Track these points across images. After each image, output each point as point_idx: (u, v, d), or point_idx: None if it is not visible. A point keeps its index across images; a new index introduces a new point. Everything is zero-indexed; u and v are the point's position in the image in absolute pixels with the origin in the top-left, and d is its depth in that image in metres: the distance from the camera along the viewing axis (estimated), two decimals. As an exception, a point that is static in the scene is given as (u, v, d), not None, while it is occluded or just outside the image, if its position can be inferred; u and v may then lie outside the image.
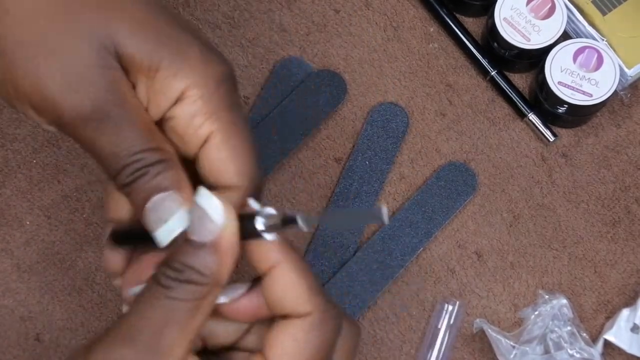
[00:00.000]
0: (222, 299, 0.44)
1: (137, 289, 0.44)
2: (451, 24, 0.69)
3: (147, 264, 0.45)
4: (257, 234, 0.41)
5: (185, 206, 0.43)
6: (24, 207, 0.65)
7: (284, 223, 0.41)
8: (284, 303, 0.42)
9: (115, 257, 0.47)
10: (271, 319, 0.44)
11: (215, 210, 0.41)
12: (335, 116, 0.68)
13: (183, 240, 0.41)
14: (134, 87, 0.45)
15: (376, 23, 0.70)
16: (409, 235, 0.65)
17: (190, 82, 0.45)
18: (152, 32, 0.45)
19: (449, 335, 0.64)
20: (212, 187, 0.45)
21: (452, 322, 0.64)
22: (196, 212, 0.41)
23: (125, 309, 0.45)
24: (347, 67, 0.69)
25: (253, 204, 0.43)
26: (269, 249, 0.42)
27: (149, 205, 0.43)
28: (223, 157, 0.45)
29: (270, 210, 0.41)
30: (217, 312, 0.44)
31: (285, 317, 0.43)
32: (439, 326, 0.64)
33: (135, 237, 0.46)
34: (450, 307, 0.64)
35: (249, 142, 0.46)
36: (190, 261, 0.41)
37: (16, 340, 0.63)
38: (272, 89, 0.68)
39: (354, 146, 0.67)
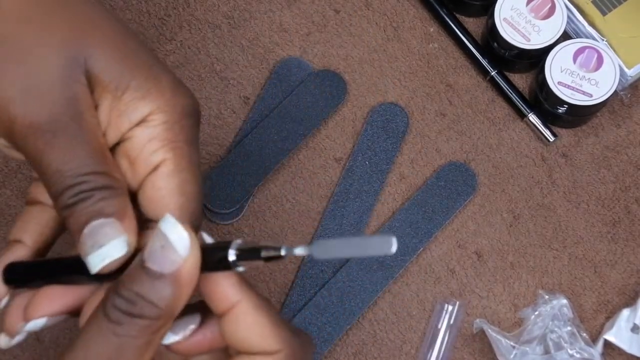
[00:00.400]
0: (173, 338, 0.42)
1: (33, 324, 0.44)
2: (451, 24, 0.69)
3: (44, 299, 0.44)
4: (223, 266, 0.40)
5: (125, 236, 0.41)
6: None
7: (254, 255, 0.39)
8: (249, 342, 0.41)
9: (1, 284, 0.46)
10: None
11: (180, 239, 0.39)
12: (335, 116, 0.68)
13: (136, 268, 0.39)
14: (97, 106, 0.44)
15: (376, 23, 0.70)
16: (409, 235, 0.65)
17: (155, 107, 0.44)
18: (125, 54, 0.44)
19: (449, 335, 0.64)
20: (147, 221, 0.44)
21: (452, 322, 0.64)
22: (158, 240, 0.39)
23: (5, 341, 0.45)
24: (347, 67, 0.69)
25: (207, 238, 0.41)
26: (228, 285, 0.40)
27: (86, 229, 0.41)
28: (170, 187, 0.44)
29: (239, 242, 0.39)
30: (165, 349, 0.43)
31: (248, 354, 0.41)
32: (439, 326, 0.64)
33: (37, 273, 0.45)
34: (450, 307, 0.64)
35: (199, 182, 0.45)
36: (145, 291, 0.38)
37: (16, 340, 0.63)
38: (272, 89, 0.68)
39: (354, 146, 0.67)
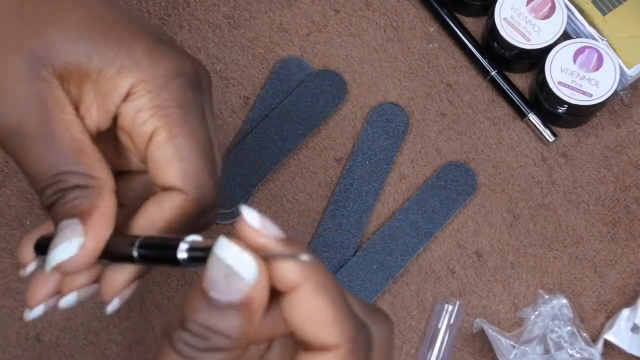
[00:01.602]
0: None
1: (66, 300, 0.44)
2: (451, 24, 0.69)
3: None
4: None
5: (79, 238, 0.41)
6: (24, 207, 0.65)
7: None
8: (306, 332, 0.36)
9: (31, 249, 0.45)
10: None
11: (246, 266, 0.34)
12: (335, 116, 0.68)
13: (198, 298, 0.35)
14: (79, 95, 0.43)
15: (376, 23, 0.70)
16: (409, 235, 0.65)
17: (135, 79, 0.43)
18: (90, 34, 0.43)
19: (449, 335, 0.64)
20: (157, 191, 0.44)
21: (452, 322, 0.64)
22: (217, 267, 0.35)
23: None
24: (347, 67, 0.69)
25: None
26: (288, 268, 0.35)
27: (57, 229, 0.42)
28: (166, 155, 0.43)
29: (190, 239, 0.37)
30: None
31: (309, 348, 0.36)
32: (439, 326, 0.64)
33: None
34: (450, 307, 0.64)
35: (202, 144, 0.43)
36: (216, 324, 0.35)
37: (16, 340, 0.63)
38: (272, 89, 0.68)
39: (354, 146, 0.67)
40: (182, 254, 0.37)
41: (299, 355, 0.36)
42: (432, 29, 0.70)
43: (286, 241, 0.36)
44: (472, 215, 0.67)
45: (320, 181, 0.67)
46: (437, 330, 0.64)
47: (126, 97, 0.43)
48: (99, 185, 0.42)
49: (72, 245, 0.41)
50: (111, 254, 0.42)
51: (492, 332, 0.62)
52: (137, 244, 0.40)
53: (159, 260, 0.40)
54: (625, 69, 0.66)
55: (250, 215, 0.35)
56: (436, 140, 0.68)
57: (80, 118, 0.44)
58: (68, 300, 0.45)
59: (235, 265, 0.34)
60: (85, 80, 0.43)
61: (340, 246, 0.65)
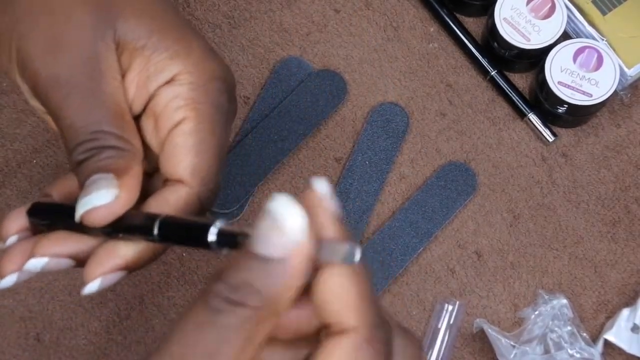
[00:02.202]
0: None
1: (34, 262, 0.44)
2: (451, 24, 0.69)
3: (51, 240, 0.44)
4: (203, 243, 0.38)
5: (115, 189, 0.41)
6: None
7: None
8: (329, 309, 0.36)
9: (15, 223, 0.45)
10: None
11: (297, 221, 0.34)
12: (335, 116, 0.68)
13: (243, 253, 0.35)
14: (126, 69, 0.44)
15: (376, 23, 0.70)
16: (409, 235, 0.65)
17: (183, 68, 0.45)
18: (155, 18, 0.45)
19: (449, 335, 0.64)
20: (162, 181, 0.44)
21: (452, 322, 0.64)
22: (269, 220, 0.34)
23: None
24: (347, 67, 0.69)
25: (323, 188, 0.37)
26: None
27: (86, 182, 0.42)
28: (187, 144, 0.44)
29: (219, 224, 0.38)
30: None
31: (329, 333, 0.36)
32: (439, 326, 0.64)
33: (53, 212, 0.45)
34: (450, 307, 0.64)
35: (219, 147, 0.45)
36: (251, 278, 0.34)
37: (16, 340, 0.63)
38: (272, 89, 0.68)
39: (354, 146, 0.67)
40: (212, 236, 0.37)
41: (318, 349, 0.36)
42: (432, 29, 0.70)
43: (340, 226, 0.36)
44: (472, 215, 0.67)
45: (320, 181, 0.67)
46: (437, 330, 0.64)
47: (169, 81, 0.45)
48: (134, 151, 0.43)
49: (108, 194, 0.41)
50: (128, 226, 0.42)
51: (492, 332, 0.62)
52: (159, 220, 0.40)
53: (182, 240, 0.40)
54: (625, 69, 0.66)
55: (320, 185, 0.36)
56: (436, 140, 0.68)
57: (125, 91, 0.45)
58: (34, 264, 0.44)
59: (286, 218, 0.34)
60: (137, 55, 0.44)
61: (340, 246, 0.65)
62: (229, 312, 0.34)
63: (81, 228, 0.43)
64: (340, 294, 0.35)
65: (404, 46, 0.70)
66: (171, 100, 0.44)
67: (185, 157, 0.44)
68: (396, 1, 0.71)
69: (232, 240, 0.37)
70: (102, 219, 0.42)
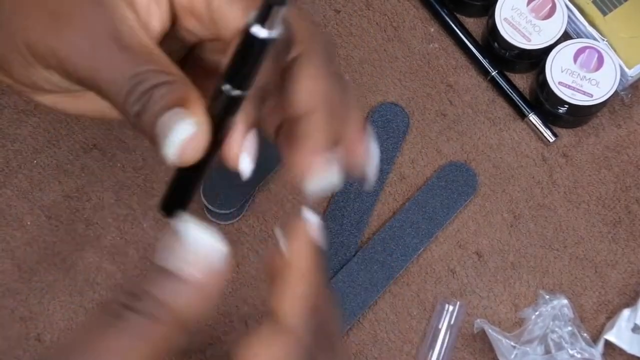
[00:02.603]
0: None
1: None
2: (452, 24, 0.69)
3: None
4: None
5: (190, 117, 0.39)
6: (25, 208, 0.65)
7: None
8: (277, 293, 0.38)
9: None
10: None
11: (211, 246, 0.35)
12: (335, 116, 0.68)
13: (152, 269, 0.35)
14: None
15: (377, 23, 0.70)
16: (410, 236, 0.65)
17: None
18: None
19: (449, 335, 0.64)
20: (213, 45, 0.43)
21: (452, 322, 0.64)
22: (186, 244, 0.35)
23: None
24: (348, 67, 0.69)
25: None
26: None
27: (156, 129, 0.39)
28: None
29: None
30: None
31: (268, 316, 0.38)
32: (440, 326, 0.64)
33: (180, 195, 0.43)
34: (451, 308, 0.64)
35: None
36: (156, 290, 0.34)
37: (17, 340, 0.63)
38: (272, 89, 0.68)
39: (354, 146, 0.67)
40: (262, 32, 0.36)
41: (254, 332, 0.37)
42: (432, 29, 0.70)
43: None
44: (473, 215, 0.67)
45: (320, 181, 0.67)
46: (438, 331, 0.64)
47: None
48: (181, 78, 0.41)
49: (189, 124, 0.39)
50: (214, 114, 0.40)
51: (492, 333, 0.62)
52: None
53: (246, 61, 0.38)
54: (626, 69, 0.66)
55: (310, 217, 0.38)
56: (436, 140, 0.68)
57: (144, 24, 0.43)
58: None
59: (200, 242, 0.35)
60: None
61: (340, 246, 0.65)
62: (130, 319, 0.34)
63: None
64: (288, 296, 0.38)
65: (404, 46, 0.70)
66: None
67: (229, 10, 0.42)
68: (396, 1, 0.71)
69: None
70: (195, 151, 0.39)
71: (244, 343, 0.37)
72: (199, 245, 0.35)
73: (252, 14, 0.36)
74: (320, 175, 0.42)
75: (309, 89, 0.41)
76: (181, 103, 0.39)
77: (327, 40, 0.44)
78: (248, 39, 0.36)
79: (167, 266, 0.35)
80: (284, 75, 0.42)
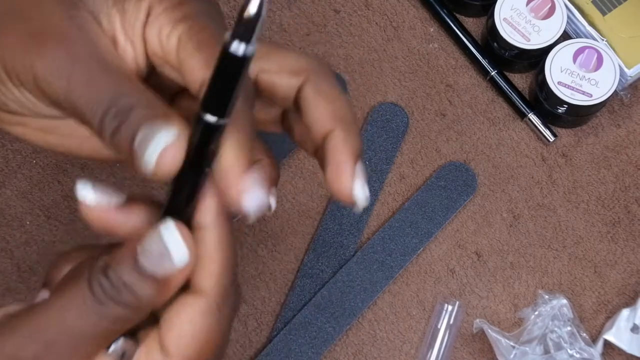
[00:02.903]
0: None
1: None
2: (451, 24, 0.69)
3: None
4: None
5: (172, 128, 0.38)
6: (24, 207, 0.65)
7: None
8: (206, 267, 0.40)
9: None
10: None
11: (178, 250, 0.38)
12: (335, 116, 0.68)
13: (128, 254, 0.38)
14: (112, 30, 0.43)
15: (376, 23, 0.70)
16: (409, 236, 0.65)
17: (152, 0, 0.42)
18: None
19: (448, 335, 0.64)
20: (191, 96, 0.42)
21: (451, 322, 0.64)
22: (156, 242, 0.38)
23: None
24: (347, 67, 0.69)
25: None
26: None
27: (135, 141, 0.39)
28: (189, 49, 0.41)
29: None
30: None
31: (185, 292, 0.40)
32: (439, 326, 0.64)
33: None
34: (450, 307, 0.64)
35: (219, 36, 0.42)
36: (132, 283, 0.38)
37: (16, 340, 0.63)
38: (272, 89, 0.68)
39: (354, 146, 0.67)
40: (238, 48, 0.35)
41: (174, 304, 0.40)
42: (432, 29, 0.70)
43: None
44: (472, 215, 0.67)
45: (320, 181, 0.67)
46: (437, 331, 0.64)
47: (145, 21, 0.43)
48: (161, 102, 0.41)
49: (168, 133, 0.38)
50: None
51: (491, 332, 0.62)
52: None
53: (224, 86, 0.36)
54: (625, 69, 0.66)
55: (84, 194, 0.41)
56: (436, 140, 0.68)
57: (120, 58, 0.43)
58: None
59: (171, 247, 0.38)
60: (113, 15, 0.43)
61: (340, 246, 0.65)
62: (109, 307, 0.38)
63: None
64: (206, 257, 0.39)
65: (404, 46, 0.70)
66: (159, 34, 0.42)
67: (193, 60, 0.41)
68: (396, 1, 0.71)
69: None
70: (174, 161, 0.39)
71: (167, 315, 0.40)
72: (171, 252, 0.38)
73: (228, 32, 0.35)
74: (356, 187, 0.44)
75: (323, 112, 0.43)
76: (162, 117, 0.39)
77: (322, 61, 0.45)
78: (225, 58, 0.35)
79: (144, 264, 0.38)
80: (297, 104, 0.44)
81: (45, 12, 0.42)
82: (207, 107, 0.37)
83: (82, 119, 0.41)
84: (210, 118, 0.37)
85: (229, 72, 0.36)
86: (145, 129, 0.39)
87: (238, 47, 0.35)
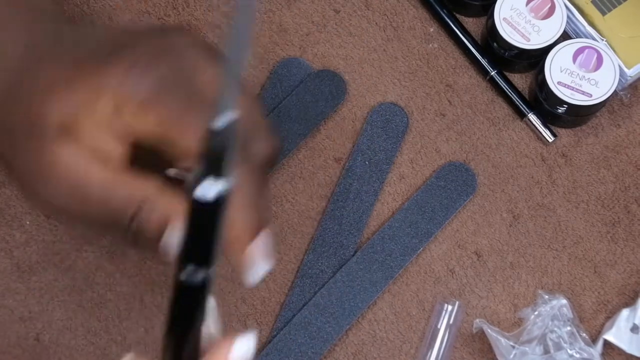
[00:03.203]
0: None
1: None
2: (451, 24, 0.69)
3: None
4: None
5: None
6: (24, 207, 0.65)
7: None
8: None
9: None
10: None
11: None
12: (335, 116, 0.68)
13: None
14: (91, 144, 0.47)
15: (376, 23, 0.70)
16: (409, 236, 0.65)
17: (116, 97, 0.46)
18: (68, 85, 0.47)
19: (448, 335, 0.64)
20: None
21: (451, 322, 0.64)
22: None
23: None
24: (347, 67, 0.69)
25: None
26: None
27: (162, 243, 0.45)
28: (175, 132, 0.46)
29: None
30: None
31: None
32: (439, 326, 0.64)
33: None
34: (450, 307, 0.64)
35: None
36: None
37: (16, 340, 0.63)
38: (271, 89, 0.68)
39: (354, 146, 0.67)
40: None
41: None
42: (431, 29, 0.70)
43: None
44: (472, 215, 0.67)
45: (320, 181, 0.67)
46: (437, 331, 0.64)
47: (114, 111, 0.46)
48: (155, 193, 0.45)
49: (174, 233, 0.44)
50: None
51: (491, 332, 0.62)
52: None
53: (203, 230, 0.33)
54: (625, 69, 0.66)
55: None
56: (436, 140, 0.68)
57: (101, 154, 0.46)
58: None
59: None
60: (83, 128, 0.46)
61: (340, 246, 0.65)
62: None
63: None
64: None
65: (403, 46, 0.70)
66: (105, 131, 0.46)
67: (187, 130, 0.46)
68: (396, 1, 0.71)
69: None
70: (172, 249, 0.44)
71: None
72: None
73: (192, 173, 0.30)
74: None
75: (239, 221, 0.46)
76: (169, 220, 0.44)
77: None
78: (196, 206, 0.30)
79: None
80: None
81: (45, 149, 0.46)
82: (190, 259, 0.32)
83: (108, 230, 0.51)
84: (200, 274, 0.33)
85: (202, 221, 0.31)
86: (169, 231, 0.45)
87: (207, 190, 0.29)
